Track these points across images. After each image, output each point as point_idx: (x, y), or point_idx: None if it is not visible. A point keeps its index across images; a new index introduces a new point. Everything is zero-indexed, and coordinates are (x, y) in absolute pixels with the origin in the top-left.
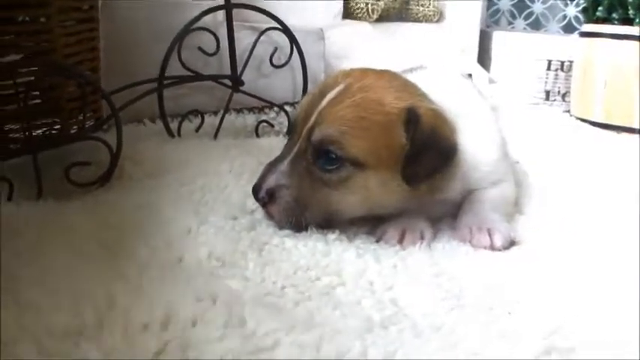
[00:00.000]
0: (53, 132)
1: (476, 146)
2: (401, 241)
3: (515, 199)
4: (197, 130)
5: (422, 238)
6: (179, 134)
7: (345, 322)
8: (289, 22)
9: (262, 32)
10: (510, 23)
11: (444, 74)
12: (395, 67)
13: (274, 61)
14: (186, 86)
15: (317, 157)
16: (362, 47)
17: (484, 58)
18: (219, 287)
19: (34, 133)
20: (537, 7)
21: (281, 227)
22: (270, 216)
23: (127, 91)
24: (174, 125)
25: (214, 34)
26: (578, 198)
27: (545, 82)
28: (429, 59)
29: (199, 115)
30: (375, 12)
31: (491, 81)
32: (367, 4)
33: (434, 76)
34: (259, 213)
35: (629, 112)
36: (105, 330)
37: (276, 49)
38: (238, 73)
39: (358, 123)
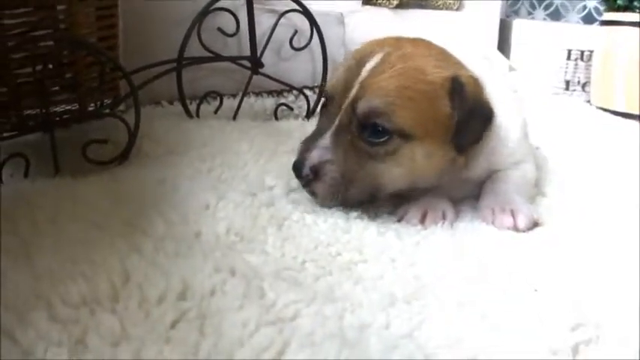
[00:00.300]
0: (71, 109)
1: (501, 122)
2: (422, 220)
3: (536, 180)
4: (216, 111)
5: (444, 217)
6: (197, 115)
7: (367, 296)
8: (310, 6)
9: (282, 14)
10: (530, 13)
11: (465, 52)
12: None
13: (294, 44)
14: (205, 68)
15: (362, 130)
16: (381, 33)
17: (504, 47)
18: (238, 260)
19: (51, 110)
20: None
21: (325, 205)
22: (313, 194)
23: (146, 72)
24: (193, 107)
25: (234, 15)
26: (598, 183)
27: (565, 72)
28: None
29: (218, 97)
30: None
31: (511, 68)
32: None
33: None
34: (279, 189)
35: None
36: (120, 300)
37: (296, 32)
38: (258, 54)
39: (403, 93)
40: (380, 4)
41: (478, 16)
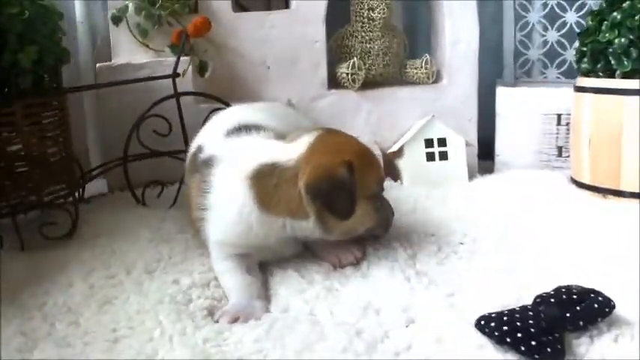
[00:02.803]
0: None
1: None
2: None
3: None
4: (158, 196)
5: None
6: (143, 201)
7: None
8: (281, 92)
9: (210, 112)
10: (542, 73)
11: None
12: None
13: None
14: (150, 161)
15: None
16: (349, 114)
17: (492, 114)
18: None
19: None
20: (569, 54)
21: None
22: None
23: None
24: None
25: (167, 120)
26: None
27: (557, 138)
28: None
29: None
30: (357, 81)
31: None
32: (348, 74)
33: None
34: (139, 269)
35: (615, 174)
36: None
37: None
38: None
39: None
40: (345, 87)
41: (456, 89)
